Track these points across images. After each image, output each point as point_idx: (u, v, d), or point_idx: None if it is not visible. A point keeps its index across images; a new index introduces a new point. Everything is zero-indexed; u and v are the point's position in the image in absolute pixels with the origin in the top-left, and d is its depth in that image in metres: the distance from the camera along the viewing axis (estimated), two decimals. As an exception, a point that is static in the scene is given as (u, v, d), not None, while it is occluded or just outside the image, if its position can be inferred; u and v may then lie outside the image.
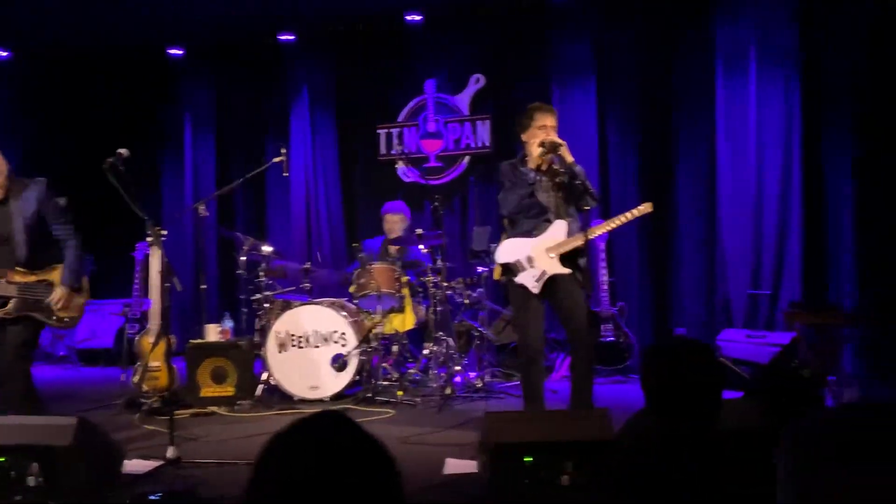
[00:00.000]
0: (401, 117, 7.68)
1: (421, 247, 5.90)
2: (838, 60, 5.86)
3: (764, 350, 5.39)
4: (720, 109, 6.39)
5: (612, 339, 6.12)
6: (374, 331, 5.32)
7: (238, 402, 4.98)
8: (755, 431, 2.24)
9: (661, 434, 1.89)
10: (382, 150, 7.57)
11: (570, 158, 4.08)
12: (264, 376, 5.28)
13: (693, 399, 1.92)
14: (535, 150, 4.11)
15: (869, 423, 1.28)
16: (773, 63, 6.19)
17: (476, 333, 5.97)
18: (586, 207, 4.12)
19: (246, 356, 5.11)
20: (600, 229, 4.21)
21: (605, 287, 6.27)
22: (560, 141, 4.07)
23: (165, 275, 4.57)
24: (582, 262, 4.09)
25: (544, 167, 4.18)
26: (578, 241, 4.05)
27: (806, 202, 6.11)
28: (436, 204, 5.57)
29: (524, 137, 4.21)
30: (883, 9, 5.56)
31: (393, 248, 6.20)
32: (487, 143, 7.49)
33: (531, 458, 2.84)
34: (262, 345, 5.26)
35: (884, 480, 1.20)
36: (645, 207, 4.22)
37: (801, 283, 6.14)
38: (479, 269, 6.13)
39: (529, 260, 4.09)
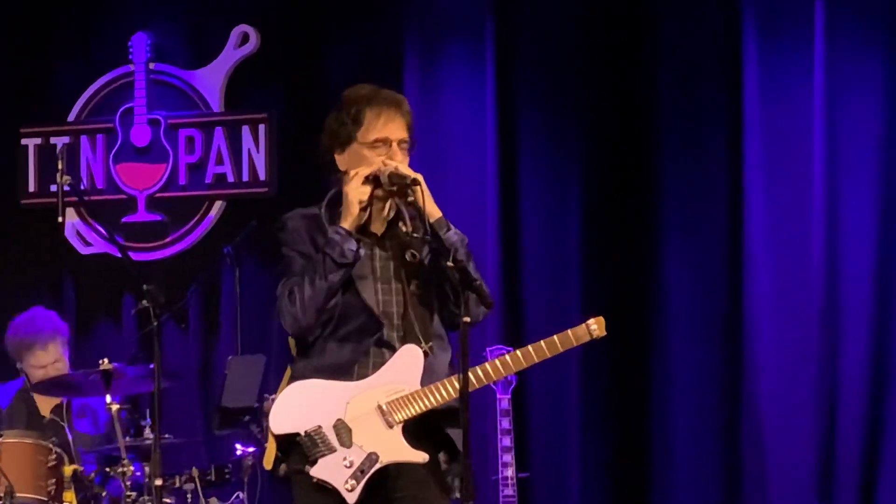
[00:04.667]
0: (73, 114, 7.99)
1: (108, 400, 6.16)
2: None
3: None
4: (751, 109, 7.06)
5: None
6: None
7: None
8: None
9: None
10: (31, 183, 7.90)
11: (434, 210, 4.28)
12: None
13: None
14: (357, 192, 4.24)
15: None
16: (860, 15, 6.91)
17: None
18: (467, 319, 4.14)
19: None
20: (499, 369, 4.34)
21: (510, 488, 6.56)
22: (412, 173, 4.24)
23: None
24: (455, 435, 4.25)
25: (378, 228, 4.36)
26: (448, 394, 4.22)
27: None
28: (145, 303, 5.64)
29: (340, 162, 4.39)
30: None
31: (45, 403, 6.67)
32: (262, 175, 7.69)
33: None
34: None
35: None
36: (594, 327, 4.39)
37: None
38: (240, 447, 6.54)
39: (340, 430, 4.19)
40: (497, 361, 4.32)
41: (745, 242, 7.07)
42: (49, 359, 6.62)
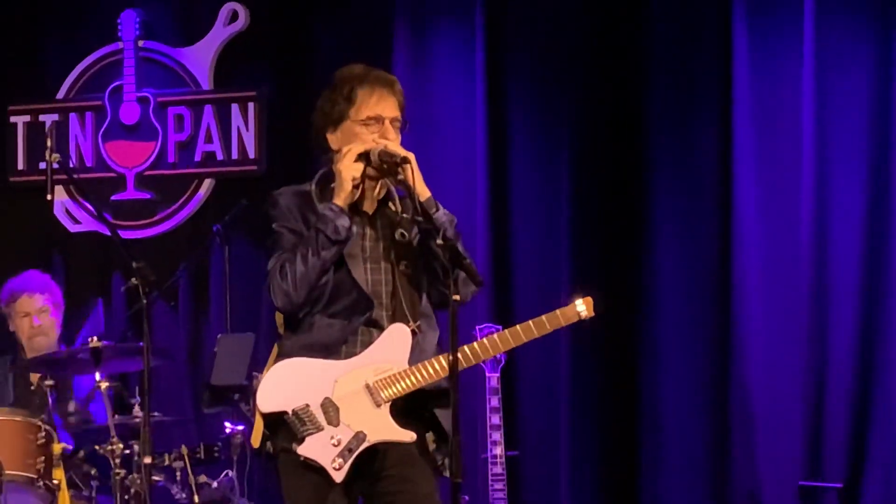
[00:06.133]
0: (62, 91, 8.00)
1: (98, 377, 6.16)
2: None
3: None
4: (741, 88, 7.12)
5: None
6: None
7: None
8: None
9: None
10: (20, 161, 7.92)
11: (423, 190, 4.29)
12: None
13: None
14: (350, 169, 4.26)
15: None
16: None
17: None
18: (457, 297, 4.16)
19: None
20: (487, 349, 4.36)
21: (499, 466, 6.55)
22: (402, 151, 4.26)
23: None
24: (445, 416, 4.25)
25: (369, 206, 4.38)
26: (435, 372, 4.23)
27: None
28: (135, 281, 5.54)
29: (333, 141, 4.40)
30: None
31: (34, 377, 6.66)
32: (251, 153, 7.72)
33: None
34: None
35: None
36: (583, 307, 4.40)
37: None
38: (229, 425, 6.57)
39: (328, 409, 4.22)
40: (485, 341, 4.34)
41: (735, 221, 7.07)
42: (34, 306, 6.69)
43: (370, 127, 4.28)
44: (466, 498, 6.53)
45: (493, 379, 6.64)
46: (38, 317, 6.63)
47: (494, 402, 6.63)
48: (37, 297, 6.67)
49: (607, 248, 7.33)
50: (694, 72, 7.25)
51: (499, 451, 6.61)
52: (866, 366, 6.94)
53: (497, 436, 6.61)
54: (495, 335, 4.38)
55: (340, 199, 4.23)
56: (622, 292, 7.18)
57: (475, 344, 4.32)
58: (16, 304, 6.68)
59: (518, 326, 4.34)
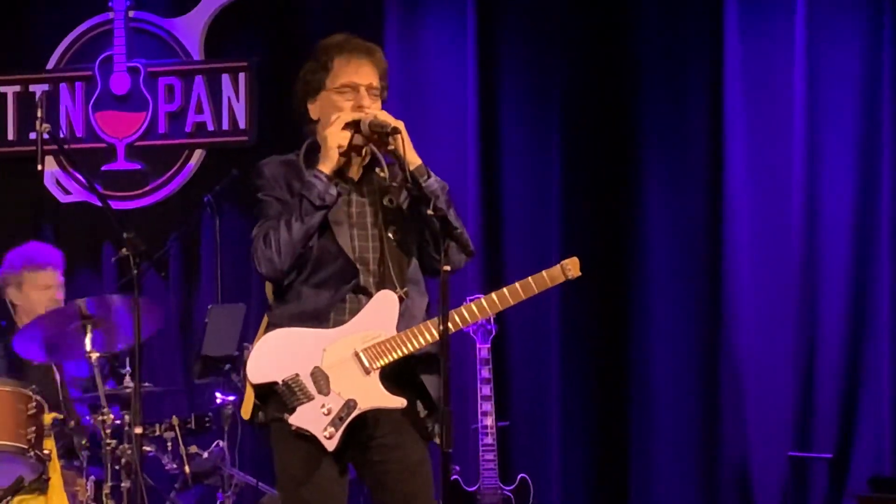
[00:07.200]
0: (52, 62, 8.01)
1: (88, 347, 6.15)
2: None
3: None
4: (731, 70, 7.17)
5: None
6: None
7: None
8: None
9: None
10: (10, 131, 7.95)
11: (414, 158, 4.28)
12: None
13: None
14: (336, 137, 4.25)
15: None
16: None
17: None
18: (447, 267, 4.20)
19: None
20: (475, 312, 4.37)
21: (489, 437, 6.57)
22: (393, 120, 4.25)
23: None
24: (432, 382, 4.28)
25: (355, 173, 4.39)
26: (424, 338, 4.23)
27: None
28: (125, 252, 5.57)
29: (313, 111, 4.41)
30: None
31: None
32: (242, 124, 7.76)
33: None
34: None
35: None
36: (569, 268, 4.41)
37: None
38: (220, 396, 6.57)
39: (318, 378, 4.23)
40: (473, 305, 4.34)
41: (725, 190, 7.10)
42: (57, 280, 6.61)
43: (345, 94, 4.28)
44: (457, 468, 6.55)
45: (484, 350, 6.66)
46: (55, 290, 6.58)
47: (485, 372, 6.64)
48: (58, 273, 6.61)
49: (598, 217, 7.34)
50: (686, 40, 7.28)
51: (489, 421, 6.62)
52: (856, 336, 6.98)
53: (487, 406, 6.62)
54: (482, 298, 4.38)
55: (326, 167, 4.22)
56: (613, 262, 7.19)
57: (462, 308, 4.31)
58: (37, 276, 6.56)
59: (504, 289, 4.34)
